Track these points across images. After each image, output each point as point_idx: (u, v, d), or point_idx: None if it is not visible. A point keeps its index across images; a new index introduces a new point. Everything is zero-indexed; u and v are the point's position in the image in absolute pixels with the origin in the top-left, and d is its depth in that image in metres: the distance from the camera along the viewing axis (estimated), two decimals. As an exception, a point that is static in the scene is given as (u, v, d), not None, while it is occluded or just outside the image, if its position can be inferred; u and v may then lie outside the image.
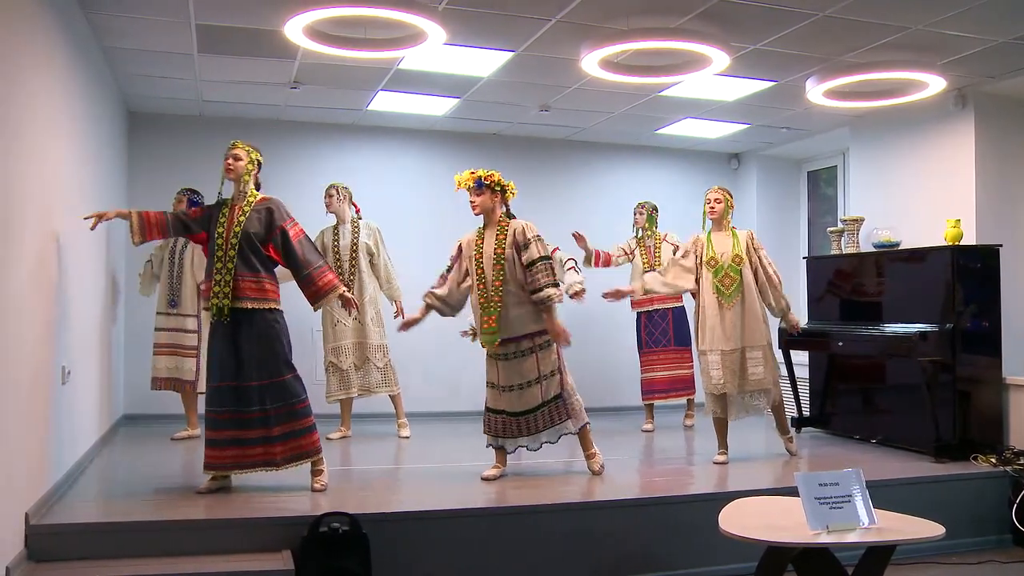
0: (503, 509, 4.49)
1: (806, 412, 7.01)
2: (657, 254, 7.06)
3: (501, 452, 5.17)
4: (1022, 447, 5.86)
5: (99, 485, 4.95)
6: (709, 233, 5.75)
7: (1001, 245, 6.12)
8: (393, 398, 6.70)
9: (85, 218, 4.56)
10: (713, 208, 5.70)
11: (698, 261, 5.69)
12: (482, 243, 5.02)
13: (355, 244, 6.53)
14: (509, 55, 5.75)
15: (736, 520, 3.61)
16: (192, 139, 7.55)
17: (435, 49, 5.28)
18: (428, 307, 5.11)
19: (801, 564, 3.69)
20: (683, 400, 7.38)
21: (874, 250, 6.72)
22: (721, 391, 5.57)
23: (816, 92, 5.95)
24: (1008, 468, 5.46)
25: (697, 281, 5.68)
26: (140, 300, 7.28)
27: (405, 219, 7.56)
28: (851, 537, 3.41)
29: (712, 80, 6.20)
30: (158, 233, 4.66)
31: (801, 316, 6.66)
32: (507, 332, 4.92)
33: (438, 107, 7.27)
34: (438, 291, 5.09)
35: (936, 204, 6.55)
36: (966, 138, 6.39)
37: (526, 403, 4.99)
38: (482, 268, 4.94)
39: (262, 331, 4.53)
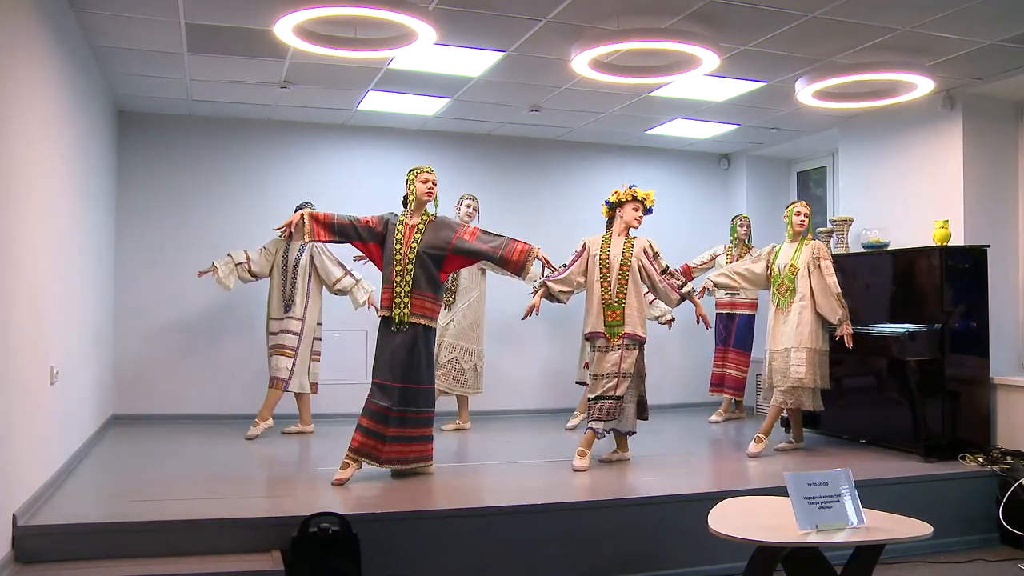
0: (493, 509, 4.49)
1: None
2: (741, 259, 7.60)
3: (616, 435, 5.71)
4: (1009, 447, 5.88)
5: (88, 485, 4.92)
6: (782, 244, 6.17)
7: (989, 246, 6.15)
8: (461, 399, 7.05)
9: (275, 228, 5.12)
10: (803, 222, 6.17)
11: (768, 269, 6.23)
12: (608, 247, 5.58)
13: None
14: (499, 55, 5.74)
15: (725, 520, 3.61)
16: (182, 138, 7.53)
17: (425, 49, 5.27)
18: (545, 292, 5.53)
19: (790, 564, 3.69)
20: (720, 397, 7.87)
21: (863, 250, 6.74)
22: (769, 385, 6.10)
23: (806, 93, 5.96)
24: (995, 467, 5.49)
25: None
26: (132, 301, 7.28)
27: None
28: (840, 537, 3.42)
29: (702, 81, 6.21)
30: (325, 234, 5.05)
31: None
32: (626, 327, 5.48)
33: (428, 107, 7.25)
34: (555, 278, 5.55)
35: (925, 205, 6.57)
36: (954, 139, 6.42)
37: (613, 389, 5.46)
38: (608, 268, 5.52)
39: (418, 343, 5.01)
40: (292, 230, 5.03)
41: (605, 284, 5.53)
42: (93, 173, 6.00)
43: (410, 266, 5.01)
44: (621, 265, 5.54)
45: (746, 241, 7.79)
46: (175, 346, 7.38)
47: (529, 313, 5.50)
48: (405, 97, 6.93)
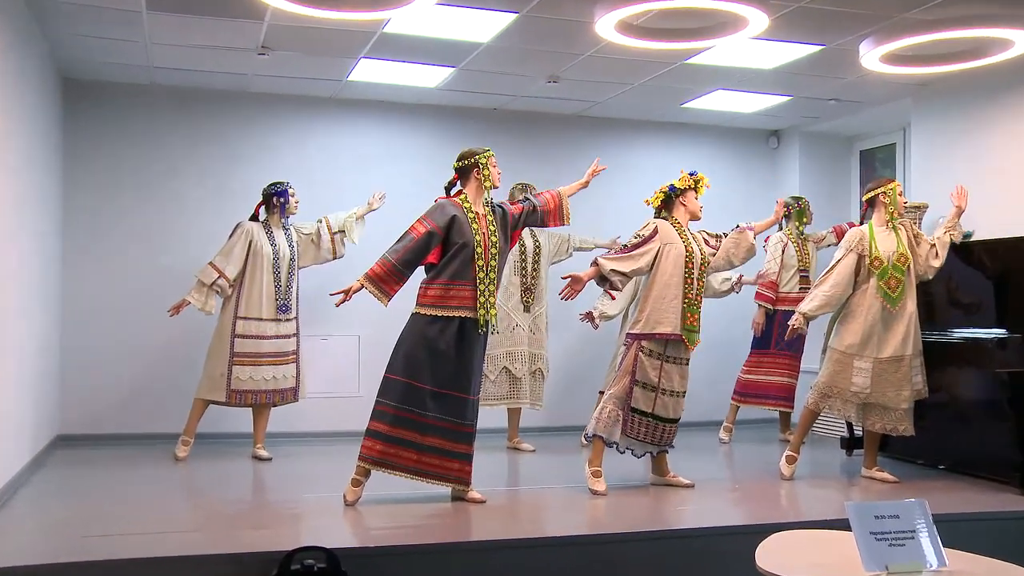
0: (501, 543, 4.49)
1: (858, 431, 6.95)
2: (807, 248, 7.75)
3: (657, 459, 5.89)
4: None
5: (27, 519, 4.91)
6: (869, 229, 6.05)
7: (1096, 236, 6.08)
8: (513, 411, 7.34)
9: (331, 294, 5.15)
10: (906, 203, 6.22)
11: (867, 261, 6.01)
12: (687, 239, 5.71)
13: (538, 248, 7.18)
14: (512, 17, 5.72)
15: (777, 557, 3.57)
16: (142, 112, 7.52)
17: (426, 9, 5.26)
18: (597, 273, 5.56)
19: (855, 611, 3.63)
20: (766, 411, 7.96)
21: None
22: (865, 400, 5.96)
23: (872, 57, 5.92)
24: (1110, 502, 5.40)
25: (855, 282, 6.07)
26: (83, 304, 7.28)
27: (393, 204, 7.49)
28: (917, 580, 3.36)
29: (748, 45, 6.17)
30: (396, 284, 5.15)
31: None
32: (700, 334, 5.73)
33: (430, 78, 7.25)
34: (616, 257, 5.60)
35: (1018, 188, 6.49)
36: (1058, 108, 6.36)
37: (676, 411, 5.69)
38: (692, 264, 5.64)
39: (485, 348, 5.36)
40: (349, 298, 5.15)
41: (688, 281, 5.63)
42: (33, 154, 5.97)
43: (493, 262, 5.19)
44: (701, 265, 5.70)
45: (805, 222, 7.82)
46: (133, 356, 7.37)
47: (572, 288, 5.49)
48: (403, 66, 6.93)
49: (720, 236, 5.96)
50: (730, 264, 5.91)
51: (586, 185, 5.69)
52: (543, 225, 5.57)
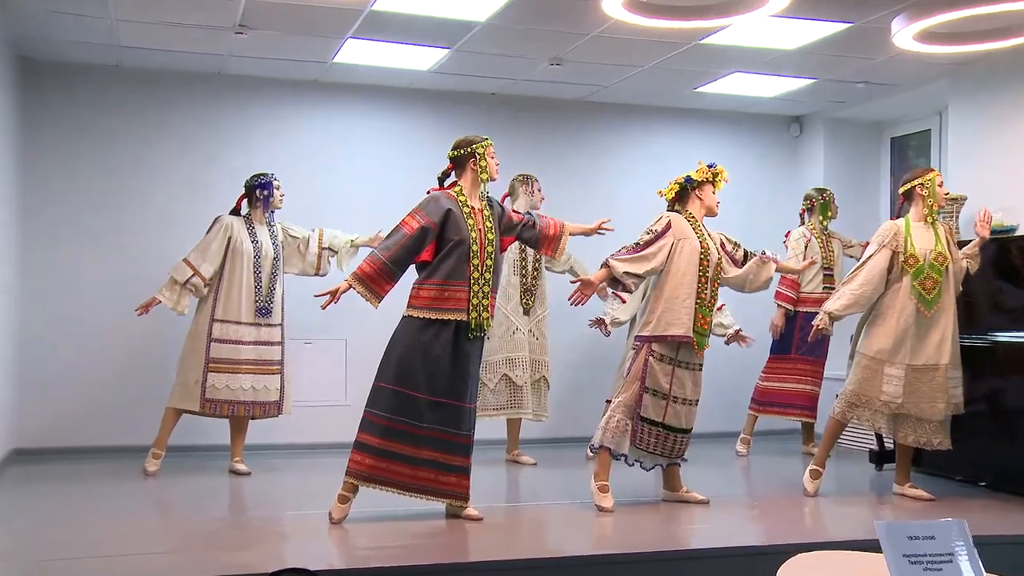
0: (499, 564, 4.47)
1: (889, 444, 6.93)
2: (831, 244, 7.77)
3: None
4: None
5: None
6: (905, 224, 6.02)
7: None
8: (513, 421, 7.33)
9: (317, 296, 5.16)
10: (947, 196, 6.23)
11: (900, 259, 5.96)
12: (703, 235, 5.73)
13: None
14: (511, -8, 5.75)
15: (801, 582, 3.55)
16: (109, 96, 7.52)
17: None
18: (608, 274, 5.56)
19: (887, 640, 3.61)
20: (789, 421, 7.96)
21: (980, 237, 6.67)
22: (896, 410, 5.91)
23: (905, 35, 5.89)
24: None
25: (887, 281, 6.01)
26: (44, 306, 7.25)
27: (381, 195, 7.54)
28: (955, 608, 3.33)
29: (768, 23, 6.17)
30: (388, 284, 5.14)
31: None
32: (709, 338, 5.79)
33: (422, 60, 7.26)
34: (626, 256, 5.57)
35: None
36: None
37: (688, 421, 5.71)
38: (707, 262, 5.65)
39: (482, 353, 5.41)
40: (337, 299, 5.14)
41: (703, 280, 5.63)
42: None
43: (489, 261, 5.19)
44: (716, 265, 5.70)
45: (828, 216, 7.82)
46: (98, 360, 7.36)
47: (582, 292, 5.54)
48: (393, 47, 6.94)
49: (738, 244, 5.92)
50: (741, 288, 5.88)
51: (589, 233, 5.69)
52: (535, 247, 5.62)
